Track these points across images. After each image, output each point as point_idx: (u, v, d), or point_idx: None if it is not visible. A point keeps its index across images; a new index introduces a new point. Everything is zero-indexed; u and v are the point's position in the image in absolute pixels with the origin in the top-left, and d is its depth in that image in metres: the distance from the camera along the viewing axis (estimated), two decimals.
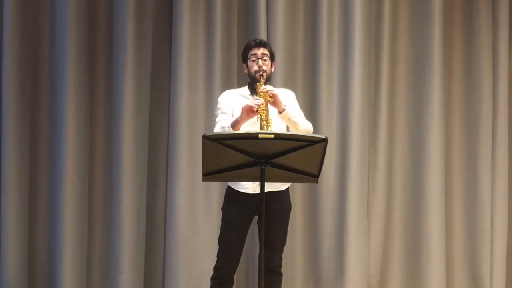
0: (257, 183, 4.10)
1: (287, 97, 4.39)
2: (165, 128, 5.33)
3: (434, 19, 5.47)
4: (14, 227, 5.13)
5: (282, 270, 5.14)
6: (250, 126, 4.10)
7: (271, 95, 4.08)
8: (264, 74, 4.25)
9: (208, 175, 3.68)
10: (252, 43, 4.37)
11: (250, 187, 4.24)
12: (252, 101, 4.06)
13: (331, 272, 5.40)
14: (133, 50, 5.21)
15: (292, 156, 3.59)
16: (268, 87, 4.13)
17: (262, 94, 4.09)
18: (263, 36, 5.26)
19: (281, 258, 4.34)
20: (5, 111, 5.11)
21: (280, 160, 3.60)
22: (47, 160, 5.22)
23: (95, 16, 5.27)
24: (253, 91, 4.29)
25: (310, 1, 5.46)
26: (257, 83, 4.21)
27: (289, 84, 5.39)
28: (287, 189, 4.36)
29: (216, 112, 4.38)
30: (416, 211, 5.53)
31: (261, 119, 4.02)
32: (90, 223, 5.28)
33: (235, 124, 4.12)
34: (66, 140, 5.13)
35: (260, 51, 4.33)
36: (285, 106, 4.17)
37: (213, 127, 4.34)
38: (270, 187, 4.20)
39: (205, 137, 3.57)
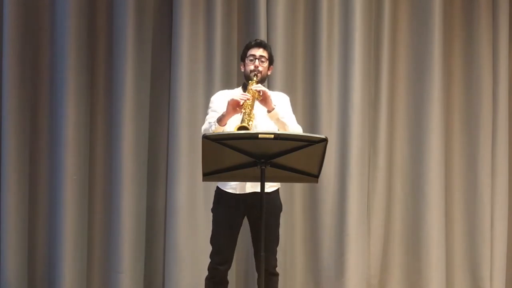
0: (244, 183, 4.20)
1: (281, 100, 4.40)
2: (165, 128, 5.33)
3: (434, 19, 5.47)
4: (14, 227, 5.13)
5: (282, 270, 5.14)
6: (236, 120, 4.12)
7: (260, 92, 4.09)
8: (259, 74, 4.28)
9: (208, 175, 3.68)
10: (253, 43, 4.41)
11: (237, 187, 4.26)
12: (239, 96, 4.07)
13: (331, 272, 5.40)
14: (133, 49, 5.21)
15: (292, 156, 3.60)
16: (258, 86, 4.15)
17: (251, 91, 4.11)
18: (263, 36, 5.26)
19: (276, 258, 4.34)
20: (5, 111, 5.11)
21: (280, 160, 3.61)
22: (47, 160, 5.23)
23: (95, 16, 5.28)
24: (246, 90, 4.29)
25: (310, 1, 5.46)
26: (250, 81, 4.25)
27: (289, 84, 5.40)
28: (277, 190, 4.37)
29: (208, 111, 4.40)
30: (416, 211, 5.53)
31: (244, 113, 4.02)
32: (90, 223, 5.28)
33: (221, 119, 4.14)
34: (66, 140, 5.13)
35: (259, 52, 4.36)
36: (275, 106, 4.18)
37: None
38: (258, 187, 4.21)
39: (205, 137, 3.57)
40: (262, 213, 3.73)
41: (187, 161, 5.21)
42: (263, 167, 3.61)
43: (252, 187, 4.24)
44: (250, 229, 4.35)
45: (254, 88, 4.12)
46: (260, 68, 4.32)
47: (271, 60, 4.42)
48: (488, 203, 5.60)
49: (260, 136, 3.56)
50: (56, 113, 5.18)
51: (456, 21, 5.66)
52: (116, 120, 5.21)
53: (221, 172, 3.67)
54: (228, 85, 5.22)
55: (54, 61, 5.19)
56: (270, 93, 4.26)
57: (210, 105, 4.40)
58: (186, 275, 5.22)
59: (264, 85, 4.36)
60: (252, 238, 4.36)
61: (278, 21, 5.34)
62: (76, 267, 5.19)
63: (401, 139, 5.59)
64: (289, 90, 5.39)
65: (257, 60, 4.33)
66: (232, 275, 5.29)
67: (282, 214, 5.38)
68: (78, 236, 5.19)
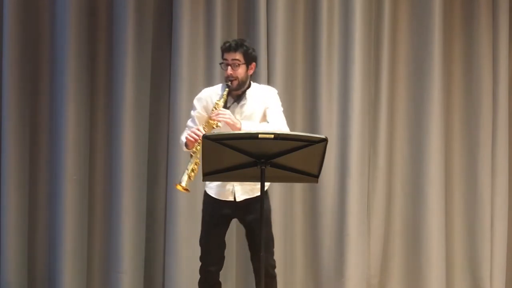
0: (231, 190, 4.21)
1: (266, 97, 4.26)
2: (165, 128, 5.33)
3: (434, 19, 5.47)
4: (14, 227, 5.13)
5: (282, 270, 5.13)
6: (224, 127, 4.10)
7: (218, 122, 4.04)
8: (235, 81, 4.14)
9: (208, 175, 3.68)
10: (223, 47, 4.19)
11: (225, 194, 4.24)
12: (190, 133, 4.05)
13: (331, 272, 5.40)
14: (133, 50, 5.21)
15: (292, 156, 3.59)
16: (221, 114, 4.03)
17: (211, 120, 4.07)
18: (263, 36, 5.27)
19: (274, 259, 4.33)
20: (5, 111, 5.12)
21: (280, 160, 3.60)
22: (47, 160, 5.23)
23: (95, 16, 5.27)
24: (226, 91, 4.18)
25: (310, 1, 5.46)
26: (216, 102, 4.14)
27: (289, 84, 5.40)
28: (265, 191, 4.33)
29: (191, 113, 4.35)
30: (416, 211, 5.53)
31: (190, 164, 4.02)
32: (90, 223, 5.28)
33: (186, 145, 4.17)
34: (66, 141, 5.14)
35: (231, 56, 4.12)
36: (240, 124, 4.07)
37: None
38: (246, 194, 4.23)
39: (205, 137, 3.58)
40: (262, 214, 3.73)
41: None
42: (263, 167, 3.61)
43: (243, 195, 4.23)
44: (246, 233, 4.33)
45: (215, 118, 4.04)
46: (234, 75, 4.14)
47: (249, 59, 4.18)
48: (488, 203, 5.59)
49: (260, 136, 3.56)
50: (56, 113, 5.18)
51: (456, 21, 5.66)
52: (116, 120, 5.21)
53: (221, 172, 3.67)
54: None
55: (54, 61, 5.19)
56: (256, 89, 4.23)
57: (193, 108, 4.34)
58: (186, 275, 5.22)
59: (254, 82, 4.29)
60: (248, 242, 4.34)
61: (278, 21, 5.34)
62: (76, 267, 5.19)
63: (401, 139, 5.59)
64: (289, 90, 5.40)
65: (229, 67, 4.14)
66: (232, 276, 5.30)
67: (282, 214, 5.41)
68: (78, 236, 5.19)
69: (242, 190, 4.23)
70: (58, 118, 5.16)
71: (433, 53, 5.47)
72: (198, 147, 3.99)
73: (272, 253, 4.30)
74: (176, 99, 5.23)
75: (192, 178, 4.01)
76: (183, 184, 3.97)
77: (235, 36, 5.37)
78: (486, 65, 5.61)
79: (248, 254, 4.89)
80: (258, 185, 4.21)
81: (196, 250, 5.17)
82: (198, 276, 4.99)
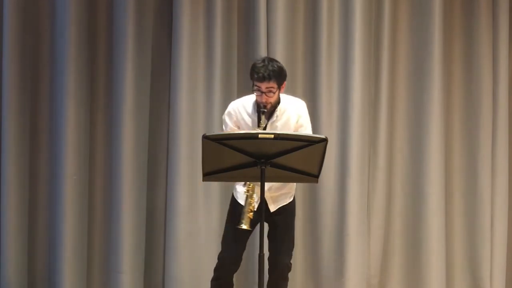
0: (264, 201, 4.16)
1: (296, 113, 4.21)
2: (165, 128, 5.33)
3: (434, 19, 5.48)
4: (14, 227, 5.13)
5: None
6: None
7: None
8: (268, 105, 4.07)
9: (208, 175, 3.68)
10: (255, 76, 4.01)
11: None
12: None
13: (331, 272, 5.40)
14: (133, 50, 5.21)
15: (292, 156, 3.60)
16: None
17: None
18: (263, 36, 5.26)
19: (291, 262, 4.32)
20: (5, 111, 5.11)
21: (280, 160, 3.61)
22: (47, 160, 5.22)
23: (95, 16, 5.27)
24: (259, 113, 4.11)
25: (310, 1, 5.46)
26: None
27: (289, 84, 5.37)
28: (293, 199, 4.31)
29: (223, 127, 4.27)
30: (416, 211, 5.53)
31: (245, 206, 4.05)
32: (90, 223, 5.28)
33: None
34: (66, 140, 5.13)
35: (264, 85, 4.00)
36: None
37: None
38: (277, 204, 4.19)
39: (205, 137, 3.58)
40: (262, 215, 3.73)
41: (187, 161, 5.21)
42: (263, 167, 3.61)
43: (274, 204, 4.18)
44: (268, 232, 4.27)
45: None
46: (268, 101, 4.05)
47: (281, 82, 4.08)
48: (488, 203, 5.59)
49: (260, 136, 3.57)
50: (56, 113, 5.18)
51: (456, 21, 5.66)
52: (116, 120, 5.21)
53: (221, 172, 3.67)
54: (228, 85, 5.23)
55: (54, 61, 5.18)
56: (286, 103, 4.17)
57: (224, 125, 4.25)
58: (186, 275, 5.22)
59: (283, 94, 4.24)
60: (269, 241, 4.28)
61: (278, 21, 5.34)
62: (76, 267, 5.19)
63: (401, 139, 5.59)
64: (289, 90, 5.38)
65: (263, 95, 4.03)
66: None
67: None
68: (78, 236, 5.19)
69: (271, 200, 4.17)
70: (58, 118, 5.16)
71: (433, 53, 5.47)
72: (251, 185, 4.02)
73: (290, 256, 4.30)
74: (176, 99, 5.23)
75: (251, 217, 4.02)
76: (243, 226, 4.00)
77: (235, 36, 5.37)
78: (486, 65, 5.61)
79: (248, 254, 4.90)
80: (287, 195, 4.23)
81: (196, 250, 5.20)
82: (199, 277, 5.02)
